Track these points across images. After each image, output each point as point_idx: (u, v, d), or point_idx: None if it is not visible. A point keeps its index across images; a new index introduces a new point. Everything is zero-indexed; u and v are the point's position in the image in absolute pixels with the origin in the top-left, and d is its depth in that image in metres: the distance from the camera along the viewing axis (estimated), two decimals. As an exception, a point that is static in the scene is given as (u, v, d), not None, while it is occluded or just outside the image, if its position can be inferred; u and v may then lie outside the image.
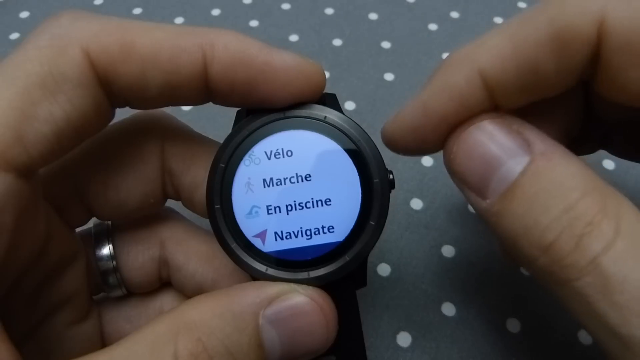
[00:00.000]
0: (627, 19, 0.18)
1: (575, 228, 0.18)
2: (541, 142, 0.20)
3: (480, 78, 0.20)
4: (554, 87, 0.20)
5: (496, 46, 0.20)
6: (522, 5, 0.48)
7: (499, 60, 0.20)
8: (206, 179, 0.21)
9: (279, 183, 0.20)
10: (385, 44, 0.45)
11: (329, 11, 0.47)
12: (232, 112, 0.22)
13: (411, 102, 0.22)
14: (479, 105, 0.21)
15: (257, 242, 0.20)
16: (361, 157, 0.20)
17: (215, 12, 0.47)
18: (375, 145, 0.21)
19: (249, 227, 0.20)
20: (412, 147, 0.23)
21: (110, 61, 0.19)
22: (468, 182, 0.21)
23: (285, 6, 0.48)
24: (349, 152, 0.20)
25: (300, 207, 0.20)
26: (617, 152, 0.29)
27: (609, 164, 0.38)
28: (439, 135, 0.22)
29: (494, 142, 0.20)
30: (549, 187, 0.19)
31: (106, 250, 0.25)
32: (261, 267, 0.20)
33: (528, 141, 0.20)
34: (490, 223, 0.20)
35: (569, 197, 0.18)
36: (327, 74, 0.43)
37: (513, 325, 0.31)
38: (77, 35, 0.19)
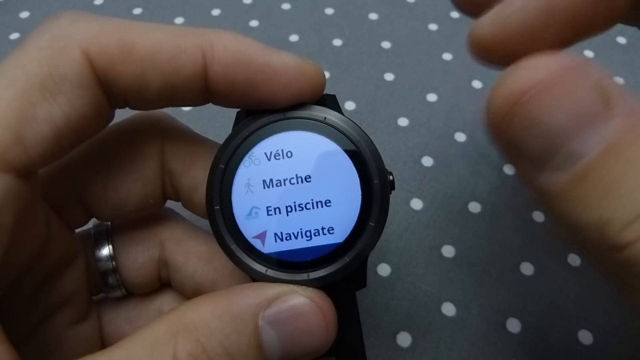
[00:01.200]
0: None
1: None
2: (626, 104, 0.16)
3: None
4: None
5: None
6: (522, 5, 0.48)
7: None
8: (206, 180, 0.21)
9: (278, 184, 0.20)
10: (385, 44, 0.45)
11: (329, 11, 0.47)
12: (232, 112, 0.22)
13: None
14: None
15: (256, 243, 0.20)
16: (361, 158, 0.20)
17: (215, 12, 0.47)
18: (375, 146, 0.21)
19: (248, 228, 0.20)
20: (518, 54, 0.18)
21: (109, 62, 0.19)
22: (526, 150, 0.17)
23: (285, 6, 0.48)
24: (349, 153, 0.20)
25: (300, 208, 0.20)
26: None
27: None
28: (559, 40, 0.17)
29: (571, 104, 0.16)
30: (633, 172, 0.15)
31: (106, 250, 0.25)
32: (261, 268, 0.20)
33: (610, 101, 0.16)
34: (545, 201, 0.17)
35: None
36: (327, 74, 0.43)
37: (513, 325, 0.31)
38: (76, 36, 0.19)
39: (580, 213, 0.16)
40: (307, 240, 0.20)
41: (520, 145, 0.17)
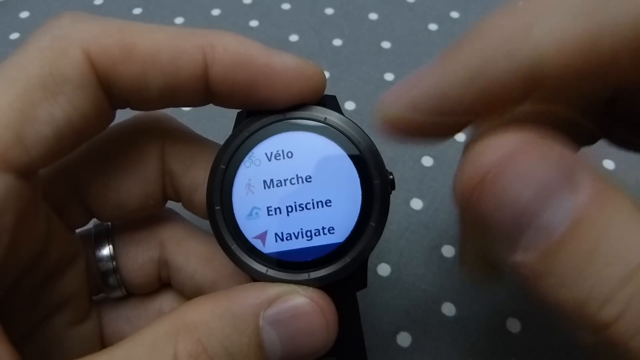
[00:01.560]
0: None
1: None
2: (590, 177, 0.15)
3: (532, 70, 0.16)
4: (627, 80, 0.16)
5: (563, 29, 0.16)
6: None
7: (568, 49, 0.15)
8: (206, 181, 0.21)
9: (279, 184, 0.20)
10: (385, 44, 0.45)
11: (329, 11, 0.47)
12: (231, 112, 0.22)
13: (427, 79, 0.18)
14: (514, 100, 0.17)
15: (257, 244, 0.20)
16: (361, 158, 0.20)
17: (215, 12, 0.47)
18: (376, 146, 0.21)
19: (249, 228, 0.20)
20: (419, 133, 0.19)
21: (110, 62, 0.19)
22: (496, 229, 0.16)
23: (285, 6, 0.48)
24: (350, 153, 0.20)
25: (301, 209, 0.20)
26: (621, 141, 0.24)
27: (609, 163, 0.38)
28: (456, 126, 0.18)
29: (534, 178, 0.15)
30: (605, 245, 0.14)
31: (106, 250, 0.25)
32: (261, 269, 0.20)
33: (573, 174, 0.15)
34: (522, 279, 0.16)
35: (632, 261, 0.14)
36: (327, 74, 0.43)
37: (513, 325, 0.31)
38: (78, 37, 0.19)
39: (556, 292, 0.15)
40: (308, 240, 0.20)
41: (489, 224, 0.16)
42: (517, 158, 0.15)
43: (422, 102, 0.18)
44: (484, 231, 0.17)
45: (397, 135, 0.19)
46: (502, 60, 0.17)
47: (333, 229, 0.20)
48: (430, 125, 0.18)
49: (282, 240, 0.20)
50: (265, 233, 0.20)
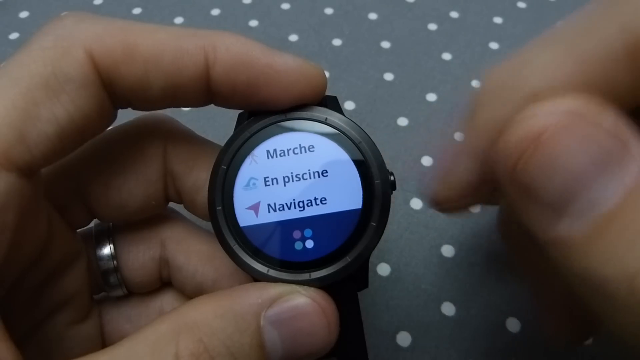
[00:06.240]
0: None
1: None
2: None
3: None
4: (625, 105, 0.16)
5: (551, 65, 0.16)
6: (521, 5, 0.48)
7: (557, 83, 0.16)
8: (208, 181, 0.21)
9: (279, 182, 0.20)
10: (385, 44, 0.45)
11: (329, 11, 0.47)
12: (232, 112, 0.22)
13: (460, 155, 0.19)
14: None
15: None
16: (362, 158, 0.20)
17: (215, 12, 0.47)
18: (376, 146, 0.21)
19: None
20: (468, 204, 0.21)
21: (113, 62, 0.19)
22: (543, 196, 0.15)
23: (285, 6, 0.48)
24: (350, 153, 0.21)
25: (301, 208, 0.20)
26: None
27: None
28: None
29: (591, 144, 0.15)
30: None
31: (107, 249, 0.25)
32: (262, 269, 0.20)
33: (627, 144, 0.15)
34: (561, 252, 0.15)
35: None
36: (327, 74, 0.43)
37: (513, 325, 0.31)
38: (80, 37, 0.19)
39: (603, 265, 0.14)
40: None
41: (536, 190, 0.15)
42: (575, 122, 0.15)
43: (457, 191, 0.21)
44: (529, 199, 0.16)
45: (442, 208, 0.22)
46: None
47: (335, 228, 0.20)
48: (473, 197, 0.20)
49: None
50: None
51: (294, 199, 0.20)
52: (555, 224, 0.15)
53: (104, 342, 0.25)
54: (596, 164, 0.15)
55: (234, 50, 0.20)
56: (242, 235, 0.20)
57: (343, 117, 0.21)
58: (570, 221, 0.15)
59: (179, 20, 0.47)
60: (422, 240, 0.35)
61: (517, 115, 0.16)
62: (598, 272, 0.15)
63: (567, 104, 0.15)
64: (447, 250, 0.34)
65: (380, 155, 0.21)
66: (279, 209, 0.20)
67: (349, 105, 0.41)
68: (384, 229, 0.20)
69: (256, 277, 0.20)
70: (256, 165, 0.21)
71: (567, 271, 0.16)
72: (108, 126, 0.21)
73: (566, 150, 0.15)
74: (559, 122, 0.15)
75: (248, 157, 0.21)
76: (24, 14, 0.47)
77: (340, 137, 0.21)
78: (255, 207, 0.20)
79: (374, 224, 0.20)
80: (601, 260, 0.15)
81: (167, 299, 0.27)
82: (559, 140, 0.15)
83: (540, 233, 0.16)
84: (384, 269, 0.33)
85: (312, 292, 0.20)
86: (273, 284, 0.20)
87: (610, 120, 0.15)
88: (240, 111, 0.22)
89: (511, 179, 0.16)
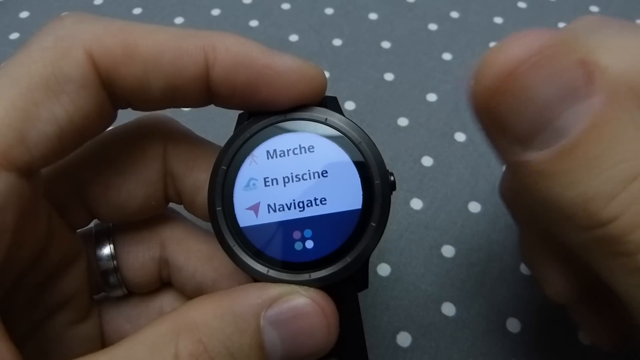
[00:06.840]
0: None
1: None
2: (609, 79, 0.16)
3: None
4: None
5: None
6: (522, 5, 0.48)
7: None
8: (208, 182, 0.21)
9: (279, 183, 0.20)
10: (385, 44, 0.45)
11: (329, 11, 0.47)
12: (231, 113, 0.22)
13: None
14: None
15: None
16: (362, 159, 0.20)
17: (215, 12, 0.47)
18: (376, 147, 0.21)
19: None
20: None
21: (113, 63, 0.19)
22: (511, 128, 0.16)
23: (285, 6, 0.48)
24: (350, 154, 0.21)
25: (301, 208, 0.20)
26: None
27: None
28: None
29: (560, 77, 0.16)
30: (617, 147, 0.15)
31: (107, 250, 0.25)
32: (262, 269, 0.20)
33: (593, 76, 0.16)
34: (527, 181, 0.17)
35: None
36: (327, 74, 0.43)
37: (513, 325, 0.31)
38: (80, 37, 0.19)
39: (564, 190, 0.16)
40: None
41: (507, 122, 0.16)
42: (543, 57, 0.16)
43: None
44: (499, 129, 0.17)
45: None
46: None
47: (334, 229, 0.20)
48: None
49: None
50: None
51: (293, 200, 0.20)
52: (522, 154, 0.16)
53: (103, 342, 0.25)
54: (564, 95, 0.16)
55: (234, 51, 0.20)
56: (242, 235, 0.20)
57: (343, 117, 0.21)
58: (536, 150, 0.16)
59: (179, 20, 0.47)
60: (422, 240, 0.35)
61: (490, 51, 0.17)
62: (558, 196, 0.16)
63: (543, 35, 0.16)
64: (447, 251, 0.34)
65: (380, 156, 0.21)
66: (278, 209, 0.20)
67: (349, 106, 0.41)
68: (384, 229, 0.20)
69: (256, 278, 0.20)
70: (256, 166, 0.21)
71: (535, 199, 0.17)
72: (108, 127, 0.21)
73: (538, 82, 0.16)
74: (534, 54, 0.16)
75: (248, 157, 0.21)
76: (24, 14, 0.47)
77: (340, 138, 0.21)
78: (255, 208, 0.20)
79: (374, 225, 0.20)
80: (563, 183, 0.16)
81: (167, 299, 0.27)
82: (534, 73, 0.16)
83: (510, 160, 0.17)
84: (384, 269, 0.33)
85: (312, 292, 0.20)
86: (273, 284, 0.20)
87: (580, 53, 0.16)
88: (240, 112, 0.22)
89: (484, 110, 0.17)
